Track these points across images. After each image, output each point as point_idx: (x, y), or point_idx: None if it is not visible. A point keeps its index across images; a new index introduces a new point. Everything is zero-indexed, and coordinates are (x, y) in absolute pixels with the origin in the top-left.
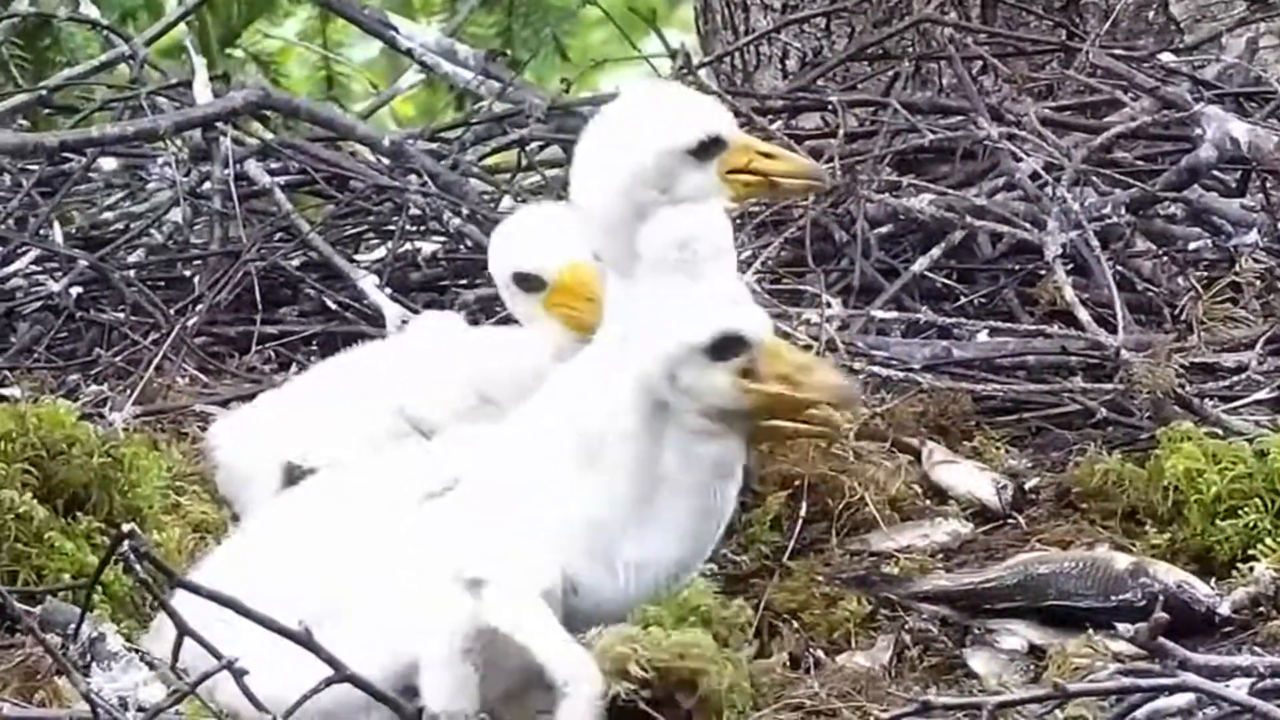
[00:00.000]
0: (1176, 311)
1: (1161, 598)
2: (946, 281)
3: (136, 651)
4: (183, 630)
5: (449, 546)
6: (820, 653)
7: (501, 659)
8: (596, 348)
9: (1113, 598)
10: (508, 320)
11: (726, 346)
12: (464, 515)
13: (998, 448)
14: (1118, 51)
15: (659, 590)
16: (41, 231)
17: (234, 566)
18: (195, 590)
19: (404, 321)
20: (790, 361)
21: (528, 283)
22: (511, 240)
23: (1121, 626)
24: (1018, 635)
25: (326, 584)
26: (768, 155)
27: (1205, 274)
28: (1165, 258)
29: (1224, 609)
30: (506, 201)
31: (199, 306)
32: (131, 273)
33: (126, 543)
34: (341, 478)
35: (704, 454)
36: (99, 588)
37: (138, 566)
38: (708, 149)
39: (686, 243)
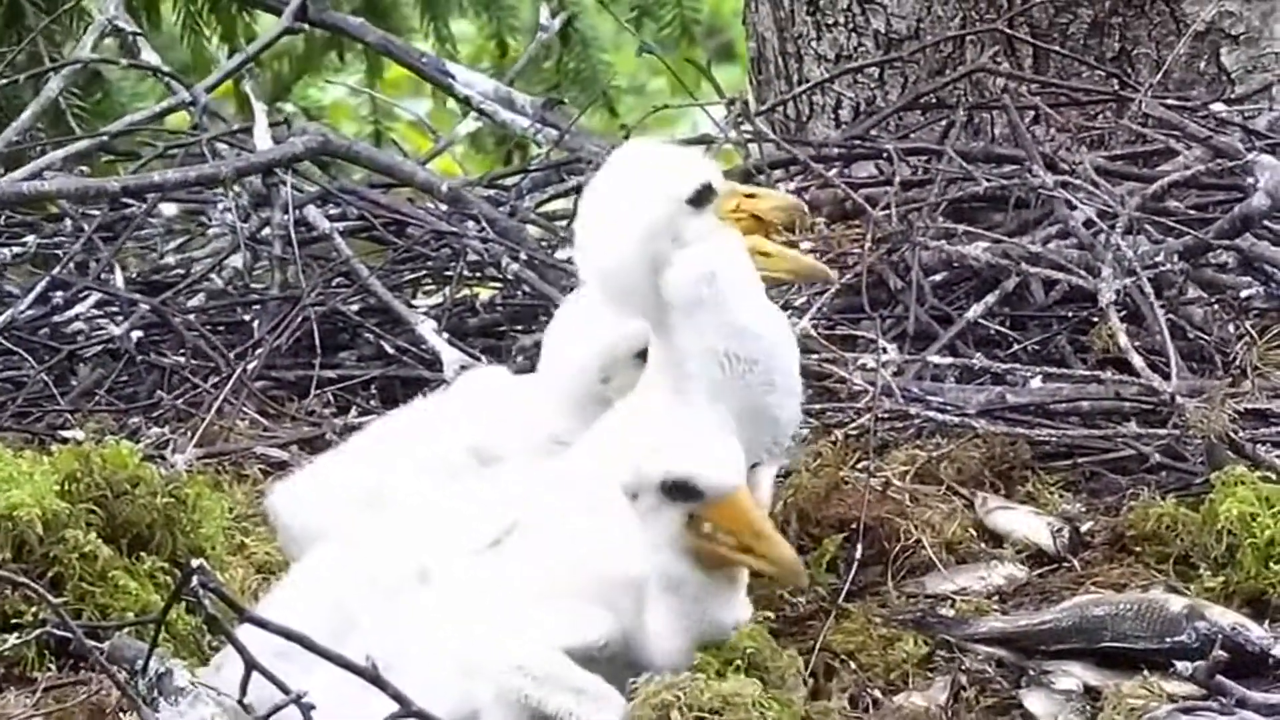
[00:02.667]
0: (1229, 358)
1: (1217, 639)
2: (1000, 328)
3: (203, 686)
4: (251, 665)
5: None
6: (878, 693)
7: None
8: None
9: (1167, 640)
10: None
11: (678, 491)
12: (515, 564)
13: (1052, 492)
14: (1170, 101)
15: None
16: (103, 276)
17: (290, 607)
18: (264, 625)
19: (462, 367)
20: (746, 523)
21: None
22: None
23: (1180, 665)
24: (1073, 676)
25: (383, 631)
26: (750, 195)
27: (1257, 321)
28: (1217, 305)
29: (1278, 651)
30: (563, 248)
31: (259, 350)
32: (192, 317)
33: (195, 578)
34: (401, 517)
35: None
36: (163, 626)
37: (206, 601)
38: (703, 197)
39: (712, 276)
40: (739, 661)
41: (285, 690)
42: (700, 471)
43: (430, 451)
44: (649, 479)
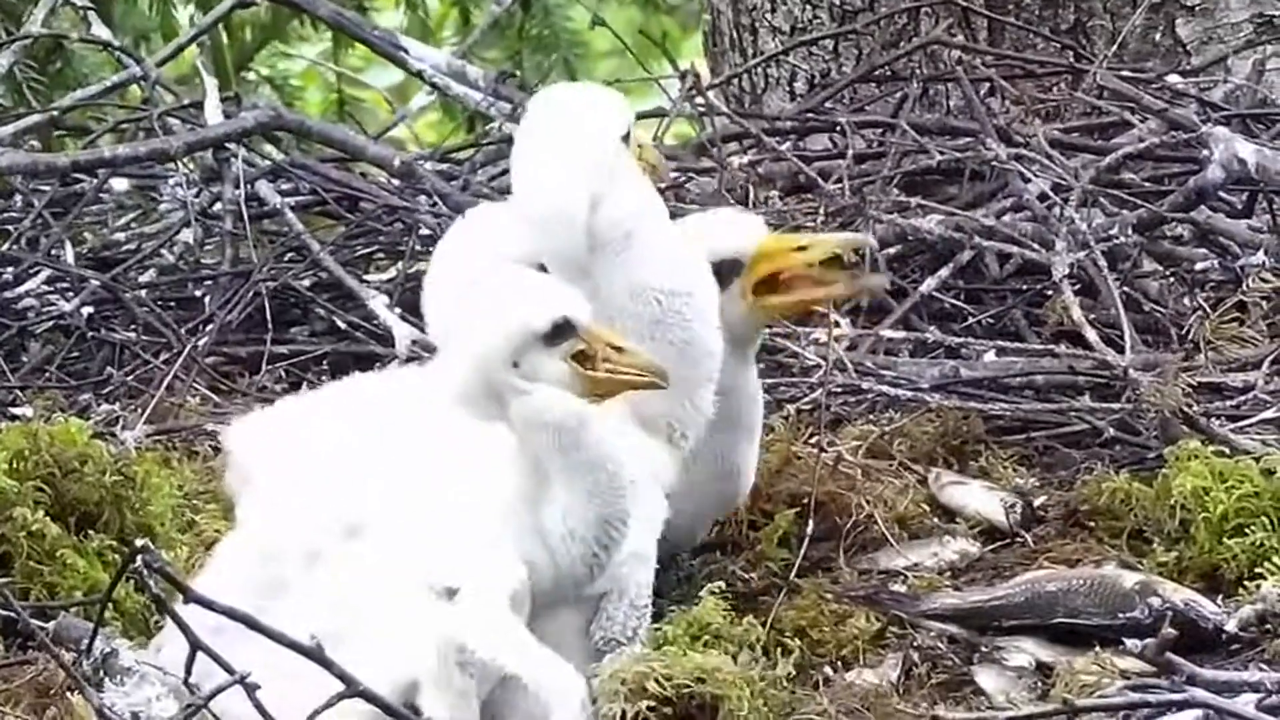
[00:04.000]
0: (1183, 331)
1: (1169, 615)
2: (954, 302)
3: (149, 666)
4: (195, 645)
5: (418, 557)
6: (829, 670)
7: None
8: None
9: (1120, 616)
10: None
11: (559, 331)
12: (427, 524)
13: (1005, 466)
14: (1125, 73)
15: (601, 557)
16: (53, 252)
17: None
18: (209, 605)
19: (414, 342)
20: (609, 338)
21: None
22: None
23: (1130, 642)
24: (1025, 653)
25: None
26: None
27: (1212, 294)
28: (1172, 278)
29: (1231, 626)
30: None
31: (210, 326)
32: (143, 293)
33: (140, 558)
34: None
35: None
36: (111, 604)
37: (150, 581)
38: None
39: (643, 213)
40: (705, 636)
41: (229, 670)
42: (571, 308)
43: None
44: (532, 330)
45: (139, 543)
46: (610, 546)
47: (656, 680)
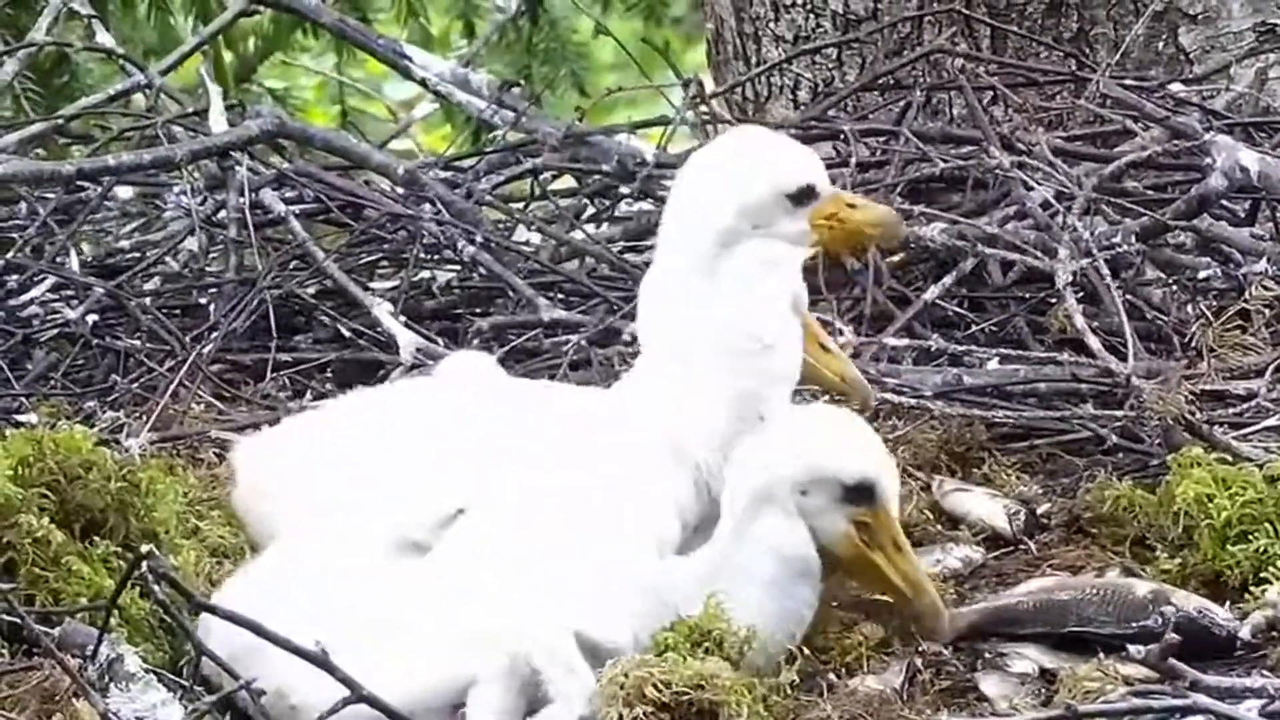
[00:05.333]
0: (1186, 339)
1: (1181, 623)
2: (957, 310)
3: (154, 672)
4: (200, 651)
5: (494, 575)
6: (833, 676)
7: None
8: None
9: (1133, 625)
10: (519, 349)
11: (860, 492)
12: (511, 548)
13: (1009, 474)
14: (1128, 82)
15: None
16: (58, 259)
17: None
18: (213, 611)
19: (418, 350)
20: (897, 533)
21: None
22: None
23: (1133, 648)
24: (1028, 659)
25: (369, 604)
26: (852, 205)
27: (1214, 302)
28: (1175, 286)
29: (1244, 633)
30: (520, 231)
31: (214, 334)
32: (147, 300)
33: (145, 564)
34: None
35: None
36: (116, 611)
37: (156, 588)
38: (805, 195)
39: (773, 265)
40: (706, 642)
41: (235, 676)
42: (882, 476)
43: (414, 434)
44: (830, 476)
45: (144, 549)
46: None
47: (655, 685)
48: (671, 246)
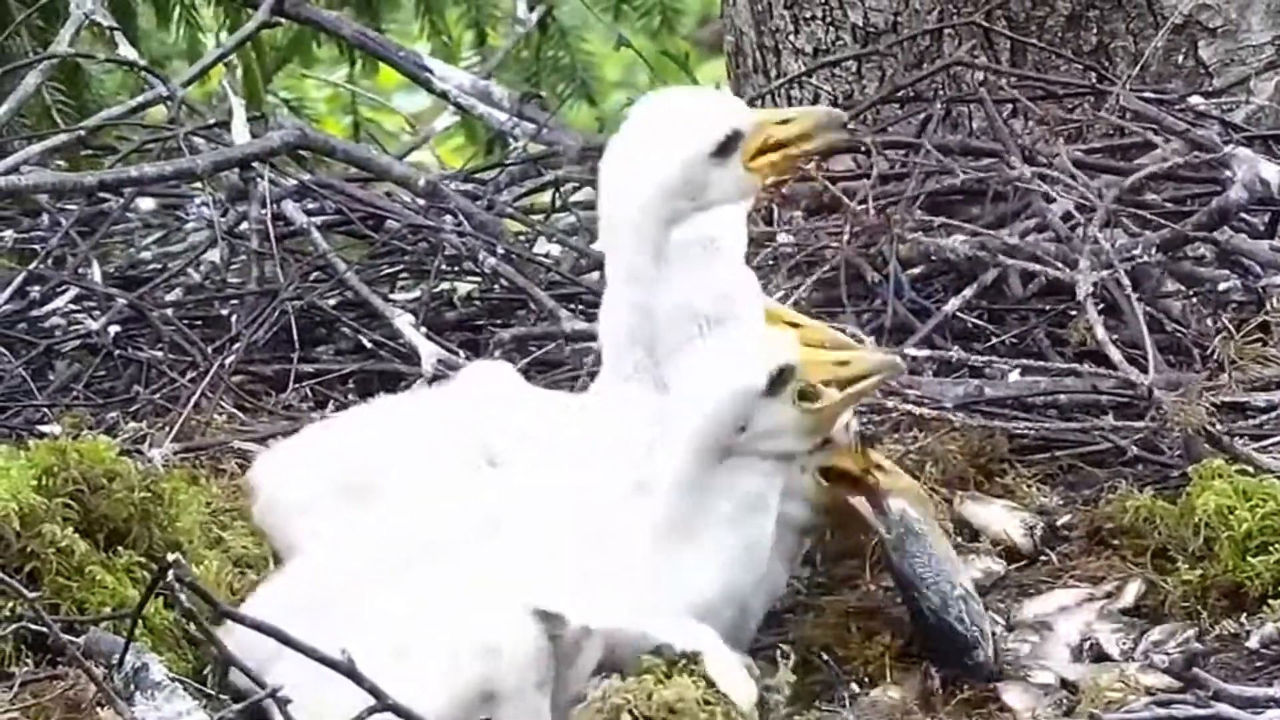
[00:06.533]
0: (1206, 351)
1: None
2: (978, 321)
3: (180, 681)
4: (228, 660)
5: (515, 578)
6: (854, 686)
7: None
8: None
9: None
10: (540, 360)
11: (782, 376)
12: (530, 549)
13: (1029, 485)
14: (1148, 95)
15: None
16: (80, 270)
17: (300, 595)
18: (239, 620)
19: (440, 361)
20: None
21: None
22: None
23: (1156, 658)
24: (1050, 669)
25: (396, 615)
26: (783, 121)
27: (1235, 315)
28: (1195, 298)
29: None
30: (541, 242)
31: (236, 345)
32: (169, 311)
33: (170, 573)
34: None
35: (748, 489)
36: (140, 621)
37: (182, 596)
38: (727, 146)
39: (711, 241)
40: (685, 664)
41: (261, 685)
42: (786, 351)
43: (435, 441)
44: (749, 389)
45: (170, 557)
46: None
47: (630, 713)
48: (613, 254)
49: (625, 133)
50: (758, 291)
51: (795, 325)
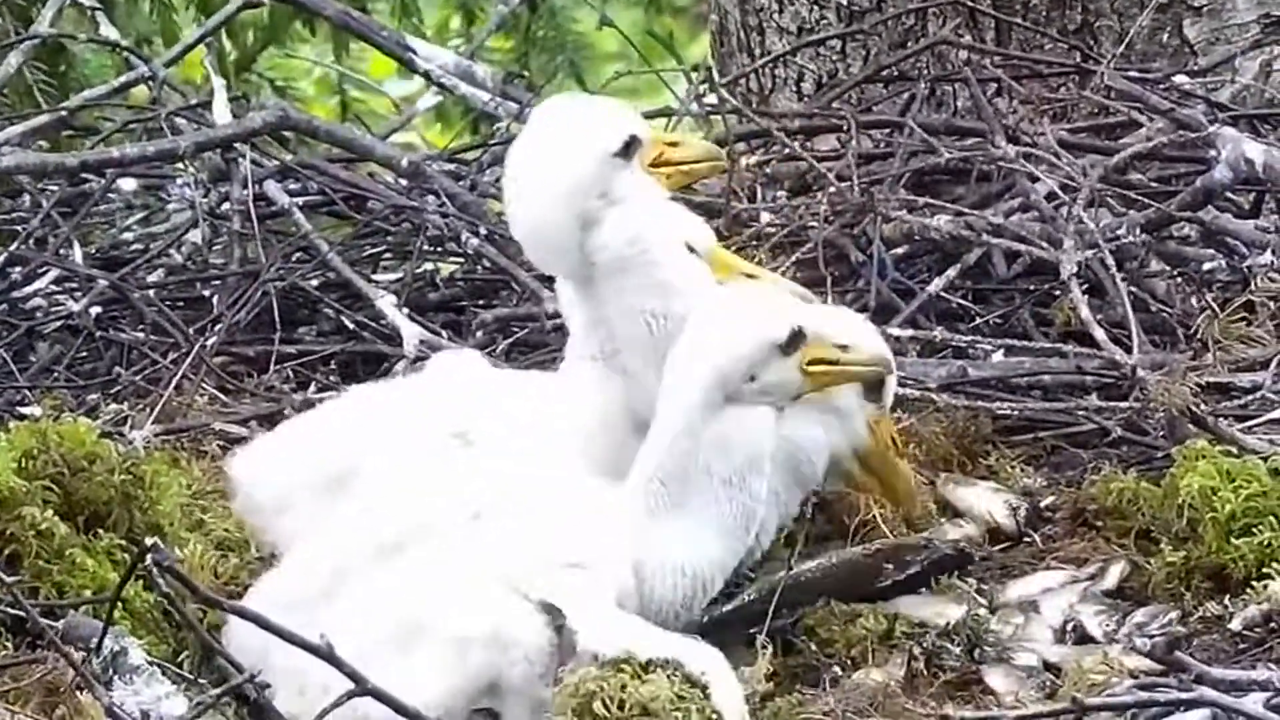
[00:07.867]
0: (1191, 331)
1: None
2: (962, 301)
3: (159, 665)
4: (205, 645)
5: (511, 564)
6: (837, 669)
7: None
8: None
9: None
10: (523, 342)
11: (794, 340)
12: (520, 532)
13: (1013, 466)
14: (1133, 74)
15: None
16: (61, 251)
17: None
18: (218, 605)
19: (422, 342)
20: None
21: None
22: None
23: (1139, 641)
24: (1034, 651)
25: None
26: (673, 144)
27: (1220, 294)
28: (1180, 278)
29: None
30: None
31: (218, 326)
32: (151, 293)
33: (149, 556)
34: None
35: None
36: (120, 604)
37: (160, 581)
38: (629, 148)
39: (638, 238)
40: (660, 656)
41: (239, 669)
42: (804, 318)
43: (409, 431)
44: (770, 340)
45: (148, 541)
46: None
47: (603, 701)
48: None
49: (527, 137)
50: (705, 275)
51: (751, 276)
